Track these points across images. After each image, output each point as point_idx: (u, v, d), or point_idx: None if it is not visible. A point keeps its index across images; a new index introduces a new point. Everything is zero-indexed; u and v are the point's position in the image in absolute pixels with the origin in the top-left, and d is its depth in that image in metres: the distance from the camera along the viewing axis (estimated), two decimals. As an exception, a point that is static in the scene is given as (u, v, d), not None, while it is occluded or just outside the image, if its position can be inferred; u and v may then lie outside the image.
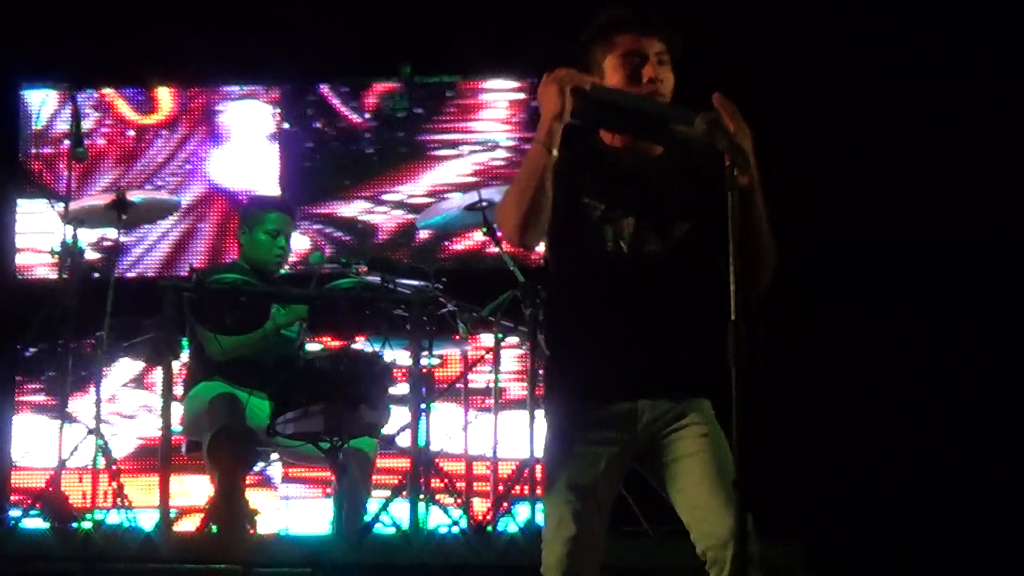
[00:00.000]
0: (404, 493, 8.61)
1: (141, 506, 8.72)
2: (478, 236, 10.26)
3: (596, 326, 5.55)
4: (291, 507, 9.10)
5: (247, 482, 8.48)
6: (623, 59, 5.53)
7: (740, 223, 4.99)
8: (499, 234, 8.88)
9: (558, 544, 5.45)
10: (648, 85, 5.46)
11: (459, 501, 9.21)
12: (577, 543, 5.41)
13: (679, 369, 5.45)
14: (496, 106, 11.46)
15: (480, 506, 9.94)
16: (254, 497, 8.62)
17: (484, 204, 9.12)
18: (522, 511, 9.56)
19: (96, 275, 8.74)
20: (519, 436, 9.82)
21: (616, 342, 5.47)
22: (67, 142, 9.36)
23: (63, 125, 11.00)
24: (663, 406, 5.44)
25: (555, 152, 5.27)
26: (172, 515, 8.40)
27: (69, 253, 8.79)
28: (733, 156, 4.93)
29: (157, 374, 8.74)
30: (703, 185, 5.38)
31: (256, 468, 8.72)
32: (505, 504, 9.52)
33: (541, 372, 9.15)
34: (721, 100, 5.08)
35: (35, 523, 8.54)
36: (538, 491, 9.58)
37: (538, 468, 9.60)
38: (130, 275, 10.69)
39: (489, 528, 9.02)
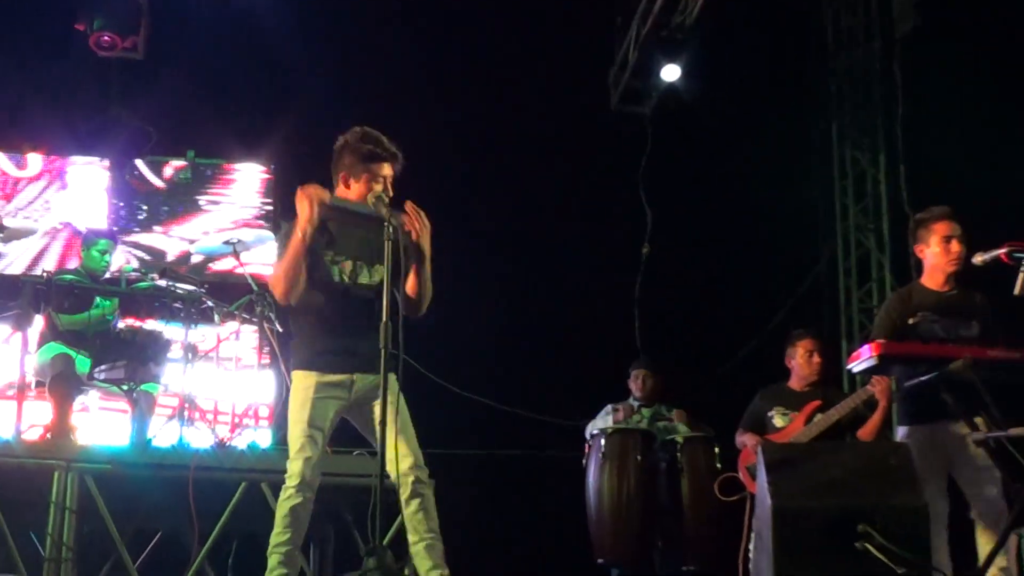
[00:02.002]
0: (175, 420, 8.59)
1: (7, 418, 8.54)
2: (230, 261, 10.23)
3: (328, 327, 5.83)
4: (101, 426, 8.88)
5: (73, 409, 8.29)
6: (371, 179, 5.86)
7: (416, 276, 5.69)
8: (245, 264, 8.98)
9: (300, 461, 5.71)
10: (376, 190, 5.79)
11: (210, 426, 9.18)
12: (311, 460, 5.69)
13: (378, 355, 5.50)
14: (246, 181, 11.36)
15: (223, 431, 9.90)
16: (77, 419, 8.43)
17: (235, 241, 9.20)
18: (248, 435, 9.70)
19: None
20: (250, 387, 10.01)
21: (340, 337, 5.80)
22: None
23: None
24: (369, 379, 5.72)
25: (308, 243, 5.62)
26: (23, 428, 8.18)
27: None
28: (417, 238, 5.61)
29: (17, 337, 8.54)
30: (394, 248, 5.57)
31: (79, 400, 8.52)
32: (239, 430, 9.61)
33: (266, 348, 9.33)
34: (412, 206, 5.62)
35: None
36: (262, 423, 9.89)
37: (261, 407, 9.71)
38: (5, 272, 10.32)
39: (228, 444, 8.99)
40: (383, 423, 5.34)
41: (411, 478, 5.65)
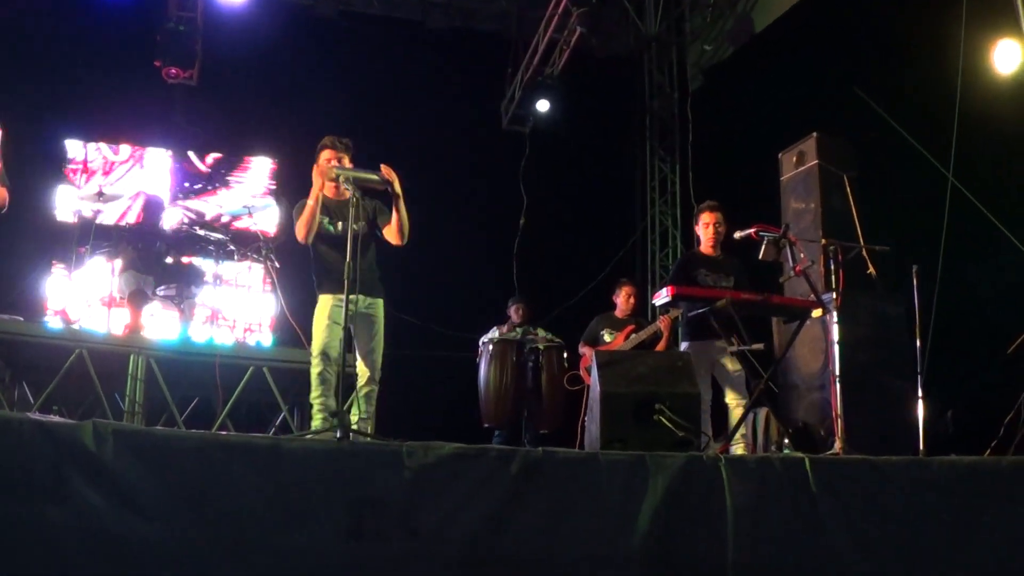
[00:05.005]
0: (207, 324, 8.45)
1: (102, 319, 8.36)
2: (246, 220, 10.07)
3: (332, 263, 5.77)
4: (160, 326, 8.64)
5: (142, 314, 8.07)
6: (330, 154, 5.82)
7: (396, 212, 5.71)
8: (256, 223, 8.75)
9: (319, 343, 5.74)
10: (334, 163, 5.78)
11: (230, 329, 9.11)
12: (329, 342, 5.71)
13: (371, 283, 5.68)
14: (258, 168, 11.02)
15: (238, 332, 9.77)
16: (145, 321, 8.14)
17: (250, 207, 9.37)
18: (255, 336, 9.59)
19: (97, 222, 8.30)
20: (257, 304, 9.88)
21: (341, 269, 5.44)
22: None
23: (80, 154, 10.50)
24: (364, 300, 5.75)
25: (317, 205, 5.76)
26: (112, 326, 8.00)
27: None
28: (392, 185, 5.59)
29: (108, 266, 8.38)
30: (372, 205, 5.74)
31: (147, 309, 8.30)
32: (248, 332, 9.42)
33: (268, 279, 9.25)
34: (386, 167, 5.54)
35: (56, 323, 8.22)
36: (264, 328, 9.66)
37: (264, 318, 9.50)
38: (103, 223, 9.61)
39: (242, 342, 8.92)
40: (347, 331, 5.43)
41: (365, 380, 5.79)
